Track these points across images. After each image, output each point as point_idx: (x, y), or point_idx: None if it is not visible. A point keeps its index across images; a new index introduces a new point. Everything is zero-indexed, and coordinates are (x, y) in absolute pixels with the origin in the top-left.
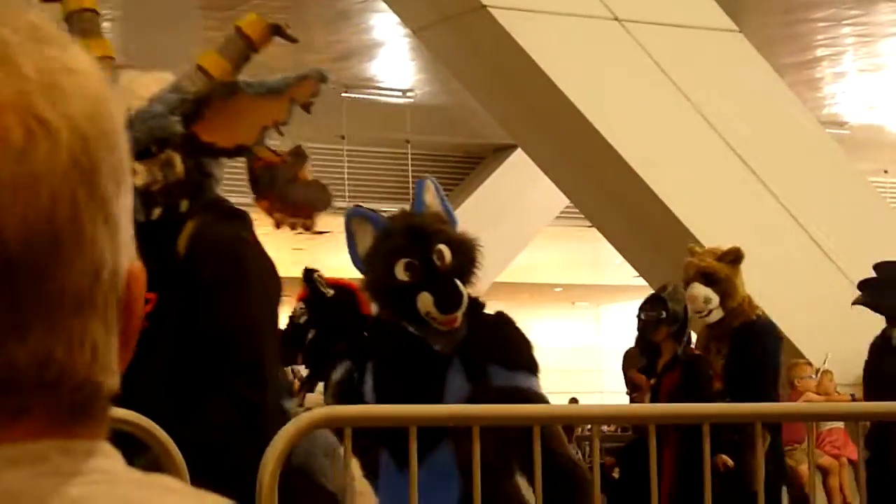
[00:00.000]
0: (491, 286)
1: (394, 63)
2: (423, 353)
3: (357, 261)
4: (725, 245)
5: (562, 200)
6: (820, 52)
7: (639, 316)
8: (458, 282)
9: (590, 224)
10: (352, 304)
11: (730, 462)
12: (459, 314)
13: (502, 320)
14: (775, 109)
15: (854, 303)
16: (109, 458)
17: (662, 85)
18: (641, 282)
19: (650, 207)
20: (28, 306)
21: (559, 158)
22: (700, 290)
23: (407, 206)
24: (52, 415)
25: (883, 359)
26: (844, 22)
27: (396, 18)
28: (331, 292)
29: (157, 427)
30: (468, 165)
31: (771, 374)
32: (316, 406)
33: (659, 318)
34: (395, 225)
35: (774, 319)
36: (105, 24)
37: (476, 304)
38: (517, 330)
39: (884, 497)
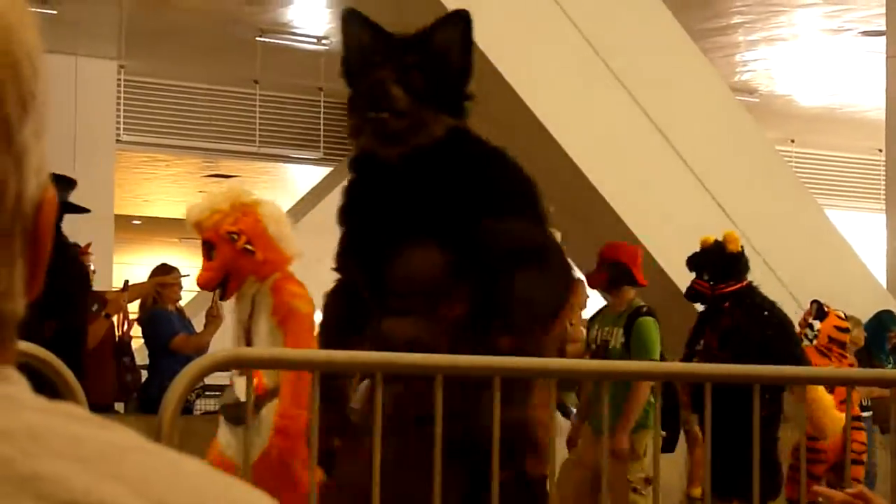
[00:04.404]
0: None
1: (310, 9)
2: None
3: None
4: (632, 208)
5: None
6: (734, 20)
7: None
8: None
9: None
10: None
11: None
12: None
13: None
14: (688, 74)
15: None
16: (14, 385)
17: (577, 44)
18: None
19: (558, 164)
20: None
21: (470, 112)
22: None
23: (316, 154)
24: None
25: None
26: None
27: None
28: None
29: (58, 360)
30: None
31: None
32: None
33: None
34: None
35: (674, 280)
36: None
37: None
38: None
39: None
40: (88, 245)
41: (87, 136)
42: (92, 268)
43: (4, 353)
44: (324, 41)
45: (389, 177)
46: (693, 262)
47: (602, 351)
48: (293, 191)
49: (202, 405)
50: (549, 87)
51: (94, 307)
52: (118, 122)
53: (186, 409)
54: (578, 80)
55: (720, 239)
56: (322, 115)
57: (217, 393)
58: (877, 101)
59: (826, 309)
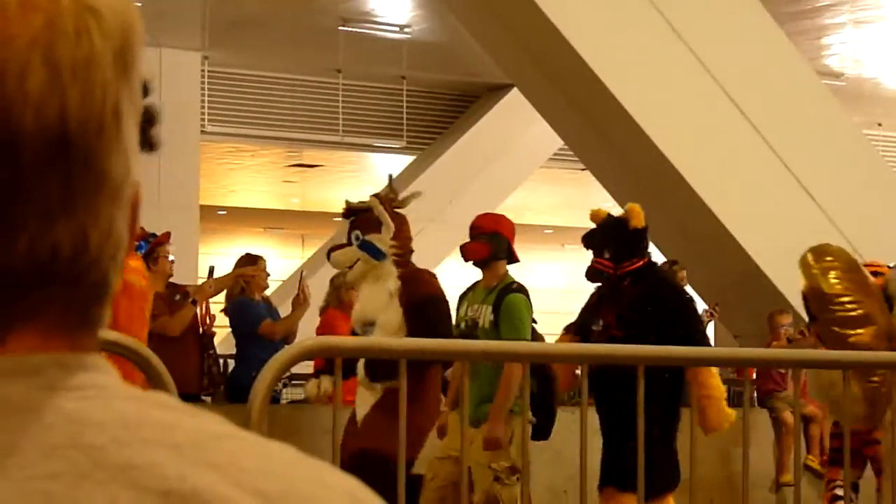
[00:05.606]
0: None
1: None
2: None
3: None
4: (716, 192)
5: (555, 142)
6: (820, 3)
7: None
8: None
9: (582, 167)
10: None
11: None
12: None
13: None
14: (773, 58)
15: None
16: (104, 373)
17: (662, 30)
18: None
19: (644, 151)
20: (77, 188)
21: (555, 99)
22: None
23: (399, 143)
24: (63, 316)
25: None
26: None
27: None
28: None
29: (148, 349)
30: (463, 104)
31: None
32: None
33: None
34: None
35: (762, 266)
36: None
37: None
38: None
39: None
40: (167, 234)
41: (172, 127)
42: (171, 258)
43: (96, 339)
44: (406, 29)
45: None
46: (592, 240)
47: (471, 331)
48: (376, 179)
49: (289, 394)
50: (635, 75)
51: (177, 297)
52: (203, 114)
53: (273, 398)
54: (663, 67)
55: (619, 214)
56: (405, 104)
57: (304, 382)
58: None
59: None
